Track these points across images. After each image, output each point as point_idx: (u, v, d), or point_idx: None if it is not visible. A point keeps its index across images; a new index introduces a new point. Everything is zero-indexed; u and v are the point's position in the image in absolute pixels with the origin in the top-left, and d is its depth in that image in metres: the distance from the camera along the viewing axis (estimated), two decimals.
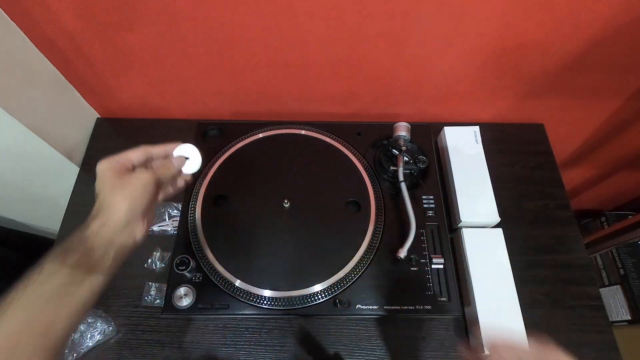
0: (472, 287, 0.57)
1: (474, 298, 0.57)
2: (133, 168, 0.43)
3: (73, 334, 0.57)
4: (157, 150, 0.45)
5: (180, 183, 0.48)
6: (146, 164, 0.44)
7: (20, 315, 0.32)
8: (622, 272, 0.99)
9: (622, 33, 0.59)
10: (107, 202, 0.38)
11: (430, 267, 0.56)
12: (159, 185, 0.43)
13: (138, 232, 0.40)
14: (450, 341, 0.59)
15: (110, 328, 0.58)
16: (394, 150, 0.63)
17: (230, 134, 0.67)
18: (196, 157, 0.47)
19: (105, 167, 0.40)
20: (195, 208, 0.59)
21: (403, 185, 0.59)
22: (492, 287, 0.58)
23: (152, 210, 0.44)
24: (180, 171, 0.46)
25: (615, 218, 1.07)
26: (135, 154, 0.43)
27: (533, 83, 0.71)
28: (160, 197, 0.46)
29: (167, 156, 0.46)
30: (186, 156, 0.46)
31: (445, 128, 0.71)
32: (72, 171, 0.73)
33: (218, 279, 0.54)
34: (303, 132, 0.67)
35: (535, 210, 0.71)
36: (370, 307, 0.54)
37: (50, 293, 0.33)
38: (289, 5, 0.56)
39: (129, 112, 0.79)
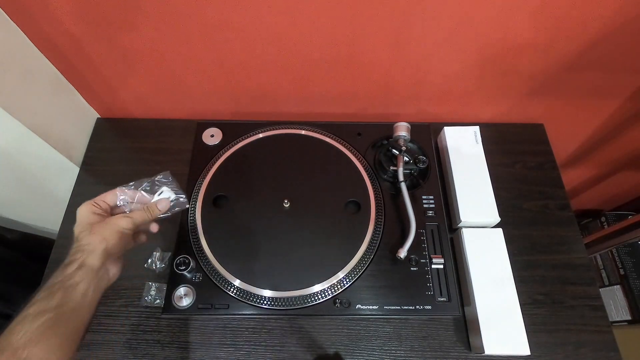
0: (472, 287, 0.57)
1: (474, 298, 0.57)
2: (111, 210, 0.45)
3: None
4: (132, 193, 0.46)
5: (154, 229, 0.48)
6: (129, 206, 0.46)
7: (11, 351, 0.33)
8: (622, 272, 0.99)
9: (622, 33, 0.59)
10: (84, 244, 0.40)
11: (430, 267, 0.56)
12: (136, 228, 0.44)
13: (112, 273, 0.43)
14: (450, 341, 0.59)
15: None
16: (394, 150, 0.63)
17: (230, 134, 0.67)
18: (174, 195, 0.48)
19: (83, 211, 0.43)
20: (195, 208, 0.59)
21: (403, 185, 0.59)
22: (492, 287, 0.57)
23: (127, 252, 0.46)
24: (166, 211, 0.48)
25: (615, 218, 1.07)
26: (109, 197, 0.45)
27: (533, 83, 0.71)
28: (136, 242, 0.47)
29: (146, 202, 0.47)
30: (167, 197, 0.48)
31: (445, 128, 0.71)
32: (72, 171, 0.73)
33: (218, 279, 0.54)
34: (303, 132, 0.67)
35: (535, 210, 0.71)
36: (370, 307, 0.54)
37: (39, 331, 0.35)
38: (289, 5, 0.56)
39: (129, 112, 0.79)
